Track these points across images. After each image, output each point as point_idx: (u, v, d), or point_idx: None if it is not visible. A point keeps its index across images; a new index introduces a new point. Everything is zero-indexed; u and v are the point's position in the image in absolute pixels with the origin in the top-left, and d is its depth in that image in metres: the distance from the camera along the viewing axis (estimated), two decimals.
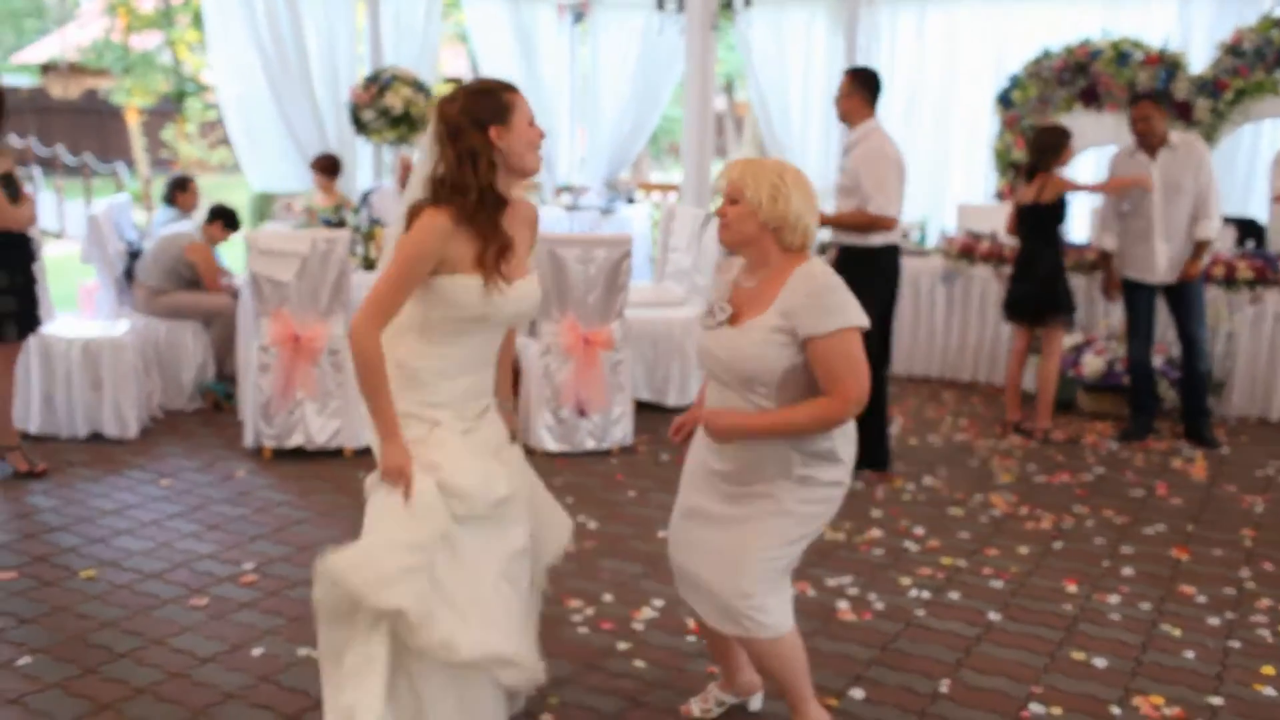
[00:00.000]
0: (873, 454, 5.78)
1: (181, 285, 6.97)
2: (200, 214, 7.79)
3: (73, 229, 15.95)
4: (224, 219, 7.31)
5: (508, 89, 2.98)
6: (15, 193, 5.46)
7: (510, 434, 3.27)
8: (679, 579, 3.33)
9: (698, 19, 8.19)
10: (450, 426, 3.03)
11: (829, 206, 6.07)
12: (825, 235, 5.76)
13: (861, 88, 5.77)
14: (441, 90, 10.17)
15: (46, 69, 29.57)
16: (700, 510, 3.23)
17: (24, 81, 28.59)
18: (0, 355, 5.60)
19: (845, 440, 3.14)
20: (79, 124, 24.92)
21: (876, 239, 5.69)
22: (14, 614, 4.17)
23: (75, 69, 27.97)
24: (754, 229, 3.02)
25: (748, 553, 3.08)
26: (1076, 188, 6.70)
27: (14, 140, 19.95)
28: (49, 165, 19.04)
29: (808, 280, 2.98)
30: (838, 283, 3.00)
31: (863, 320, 2.98)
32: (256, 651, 3.89)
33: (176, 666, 3.77)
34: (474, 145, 2.91)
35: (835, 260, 5.79)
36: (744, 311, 3.08)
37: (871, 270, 5.66)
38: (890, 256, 5.78)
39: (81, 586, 4.42)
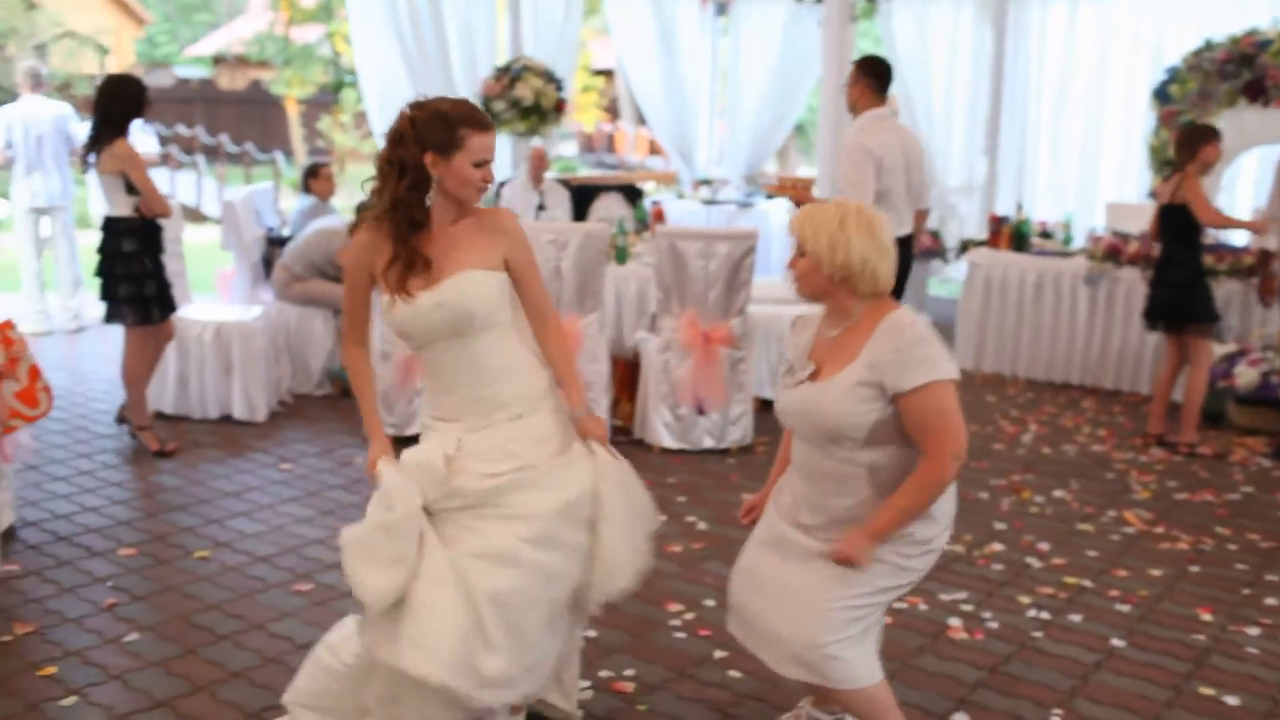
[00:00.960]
0: None
1: (322, 279, 7.09)
2: (343, 201, 7.95)
3: (224, 215, 16.53)
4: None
5: (472, 124, 2.90)
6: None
7: (581, 435, 3.12)
8: (738, 623, 3.16)
9: (835, 12, 8.01)
10: (444, 432, 3.04)
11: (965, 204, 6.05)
12: None
13: (866, 76, 5.85)
14: (588, 83, 10.17)
15: (216, 61, 30.86)
16: (776, 549, 3.07)
17: (196, 73, 29.87)
18: (149, 337, 5.78)
19: (944, 498, 2.95)
20: (243, 114, 25.84)
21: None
22: (128, 590, 4.28)
23: (241, 61, 29.10)
24: (823, 282, 2.90)
25: (825, 598, 2.91)
26: (1220, 221, 6.30)
27: (182, 129, 20.80)
28: (213, 153, 19.76)
29: (895, 333, 2.84)
30: (927, 333, 2.85)
31: (953, 372, 2.83)
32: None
33: (273, 652, 3.81)
34: (405, 159, 2.89)
35: None
36: (826, 365, 2.94)
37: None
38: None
39: (193, 566, 4.51)
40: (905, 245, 5.72)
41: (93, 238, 5.59)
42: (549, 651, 3.04)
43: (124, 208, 5.61)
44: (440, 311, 2.94)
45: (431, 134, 2.88)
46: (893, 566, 2.92)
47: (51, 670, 3.65)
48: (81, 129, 8.69)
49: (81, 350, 8.25)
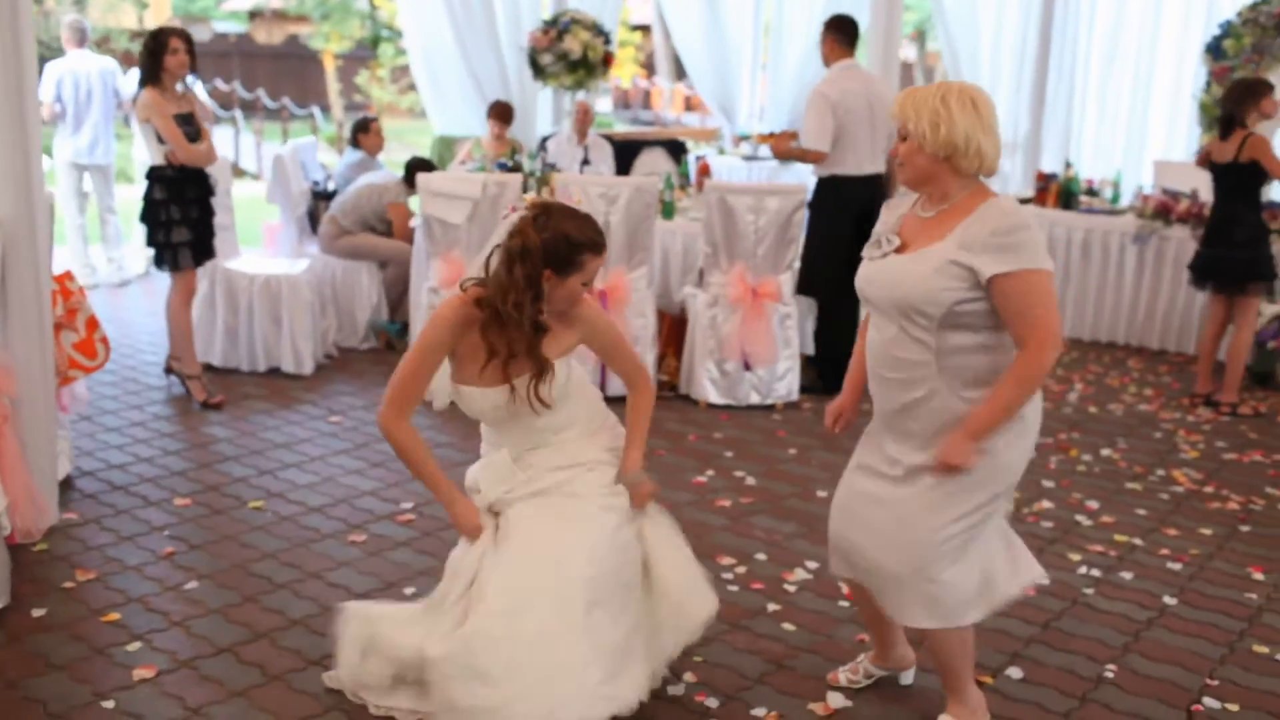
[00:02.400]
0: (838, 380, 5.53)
1: (370, 233, 7.12)
2: (384, 156, 7.95)
3: (269, 169, 16.55)
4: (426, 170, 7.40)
5: (592, 250, 3.01)
6: (195, 132, 5.68)
7: (634, 500, 3.19)
8: (836, 551, 3.16)
9: None
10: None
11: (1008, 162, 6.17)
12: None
13: (834, 31, 6.34)
14: (625, 38, 10.09)
15: (253, 15, 30.83)
16: (871, 484, 3.04)
17: (233, 28, 29.87)
18: (179, 284, 5.84)
19: (1030, 405, 2.89)
20: (280, 69, 25.83)
21: (822, 169, 6.30)
22: (185, 539, 4.33)
23: (278, 15, 29.07)
24: (926, 163, 2.80)
25: (926, 529, 2.89)
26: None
27: (219, 84, 20.82)
28: (250, 108, 19.78)
29: (996, 215, 2.74)
30: (1028, 220, 2.75)
31: (1049, 263, 2.75)
32: (409, 590, 3.94)
33: (330, 600, 3.84)
34: (532, 274, 2.97)
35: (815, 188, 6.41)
36: (916, 240, 2.87)
37: (818, 199, 6.29)
38: (832, 186, 6.29)
39: (248, 517, 4.57)
40: (875, 182, 6.32)
41: (134, 191, 5.68)
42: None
43: (157, 156, 5.68)
44: (519, 401, 3.05)
45: (555, 255, 2.97)
46: (979, 480, 2.87)
47: (115, 616, 3.72)
48: (126, 82, 8.75)
49: (127, 303, 8.32)
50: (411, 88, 21.68)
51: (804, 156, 6.30)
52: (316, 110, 19.65)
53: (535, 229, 2.98)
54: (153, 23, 24.98)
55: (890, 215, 3.03)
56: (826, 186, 6.32)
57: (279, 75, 25.11)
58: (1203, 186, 7.26)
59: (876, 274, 2.91)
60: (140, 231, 8.88)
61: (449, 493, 3.16)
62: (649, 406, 3.29)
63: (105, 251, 8.94)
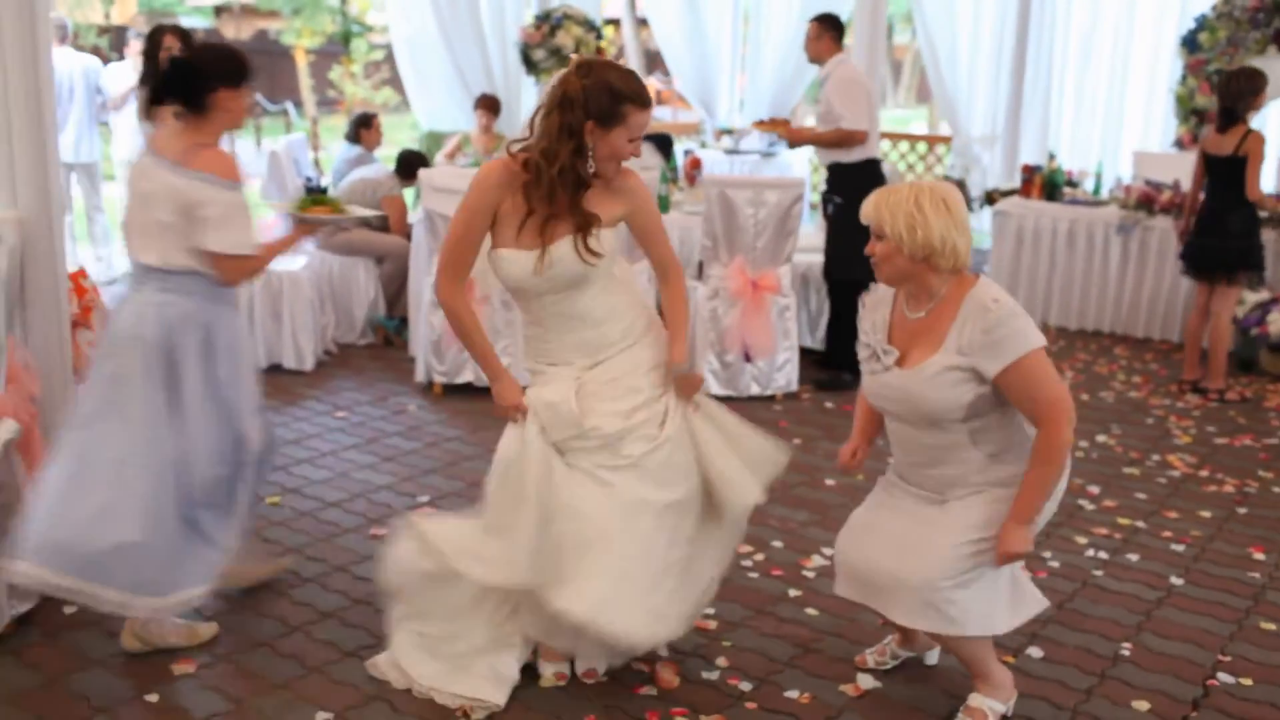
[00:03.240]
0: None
1: (365, 227, 7.13)
2: (381, 151, 7.96)
3: (266, 166, 16.46)
4: (423, 164, 7.44)
5: (635, 101, 2.99)
6: None
7: (684, 397, 3.26)
8: (849, 582, 3.25)
9: None
10: (560, 376, 3.17)
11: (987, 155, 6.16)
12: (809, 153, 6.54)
13: (830, 29, 6.47)
14: (608, 32, 10.15)
15: (220, 10, 30.56)
16: (889, 506, 3.18)
17: (199, 23, 29.59)
18: None
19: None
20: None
21: (856, 154, 6.33)
22: None
23: (247, 10, 28.84)
24: (905, 264, 2.94)
25: (944, 541, 2.97)
26: (1262, 200, 6.28)
27: None
28: None
29: (981, 314, 2.88)
30: (1011, 308, 2.89)
31: (1040, 339, 2.89)
32: None
33: (360, 594, 3.90)
34: (573, 124, 2.96)
35: (827, 178, 6.51)
36: (914, 348, 2.99)
37: (857, 182, 5.96)
38: (873, 168, 6.43)
39: (266, 512, 4.59)
40: (877, 166, 6.55)
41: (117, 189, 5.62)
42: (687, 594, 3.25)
43: None
44: (563, 266, 3.04)
45: (597, 104, 2.95)
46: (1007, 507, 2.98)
47: None
48: (109, 79, 8.70)
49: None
50: (385, 83, 21.64)
51: (847, 138, 6.25)
52: (290, 105, 19.51)
53: (577, 77, 2.99)
54: (118, 18, 24.75)
55: (874, 316, 3.13)
56: (859, 171, 6.28)
57: None
58: (1184, 177, 7.41)
59: (886, 390, 3.04)
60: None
61: (494, 366, 3.21)
62: (685, 297, 3.34)
63: (93, 250, 8.90)
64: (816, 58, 6.56)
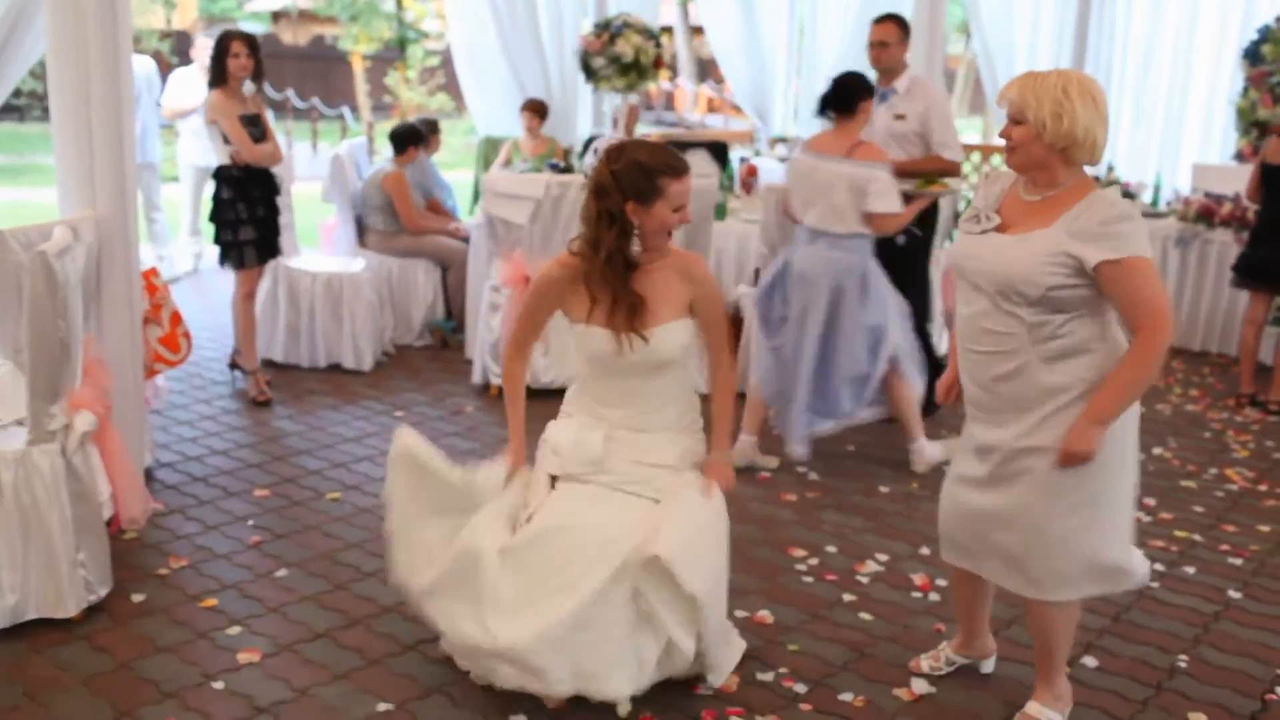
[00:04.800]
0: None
1: (391, 218, 7.19)
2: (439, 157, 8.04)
3: (300, 170, 16.65)
4: (412, 140, 7.37)
5: (670, 173, 3.06)
6: (261, 133, 5.83)
7: (712, 476, 3.29)
8: (957, 546, 3.23)
9: None
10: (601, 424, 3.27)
11: None
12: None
13: (908, 36, 5.75)
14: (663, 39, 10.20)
15: (277, 16, 30.98)
16: (976, 497, 3.11)
17: (257, 28, 30.01)
18: (242, 280, 5.96)
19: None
20: (307, 69, 25.98)
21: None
22: (270, 529, 4.45)
23: (305, 16, 29.22)
24: (1041, 151, 2.85)
25: (1045, 517, 2.96)
26: None
27: (247, 85, 20.99)
28: (280, 109, 19.93)
29: (1104, 206, 2.80)
30: (1133, 211, 2.81)
31: (1151, 252, 2.82)
32: None
33: None
34: (612, 210, 3.07)
35: None
36: (1020, 223, 2.91)
37: (928, 214, 5.65)
38: (937, 203, 5.82)
39: (327, 508, 4.68)
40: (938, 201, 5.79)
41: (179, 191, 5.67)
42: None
43: (223, 156, 5.82)
44: (640, 354, 3.14)
45: (631, 184, 3.06)
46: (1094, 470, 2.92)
47: (212, 602, 3.83)
48: (176, 85, 8.88)
49: (182, 299, 8.39)
50: (440, 89, 21.88)
51: (946, 170, 5.62)
52: (346, 110, 19.79)
53: (608, 163, 3.09)
54: (179, 24, 25.17)
55: (989, 190, 3.07)
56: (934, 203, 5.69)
57: (305, 76, 25.25)
58: (1242, 190, 7.33)
59: (977, 249, 2.96)
60: (187, 229, 9.17)
61: (516, 435, 3.40)
62: (735, 388, 3.43)
63: (154, 249, 9.06)
64: (891, 66, 5.68)
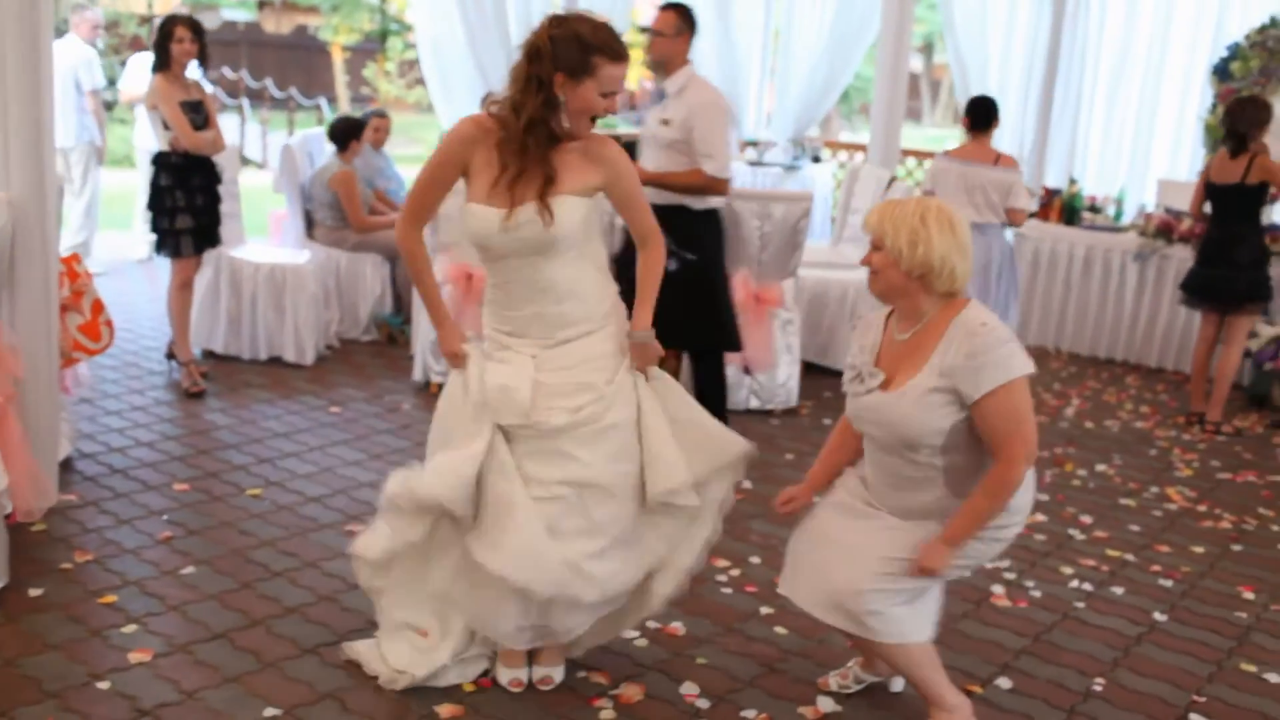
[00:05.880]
0: None
1: (339, 215, 7.09)
2: (391, 150, 7.92)
3: (274, 159, 16.57)
4: (353, 134, 7.20)
5: (607, 53, 2.93)
6: (204, 120, 5.73)
7: (640, 367, 3.23)
8: (790, 578, 3.21)
9: None
10: (518, 350, 3.14)
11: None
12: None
13: (690, 28, 4.99)
14: (633, 40, 10.12)
15: (262, 4, 30.81)
16: (843, 512, 3.12)
17: (241, 16, 29.85)
18: (177, 269, 5.86)
19: (1022, 490, 2.96)
20: (288, 59, 25.82)
21: (713, 201, 5.00)
22: (183, 524, 4.35)
23: (287, 5, 29.04)
24: (899, 278, 2.88)
25: (881, 554, 2.95)
26: None
27: (227, 72, 20.83)
28: (257, 98, 19.79)
29: (968, 337, 2.82)
30: (1000, 334, 2.83)
31: (1027, 367, 2.83)
32: None
33: (327, 590, 3.88)
34: (542, 76, 2.92)
35: (671, 225, 4.53)
36: (898, 371, 2.94)
37: (705, 236, 4.98)
38: (718, 220, 5.09)
39: (246, 504, 4.59)
40: (720, 217, 5.13)
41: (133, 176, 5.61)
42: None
43: (163, 142, 5.73)
44: (530, 229, 2.99)
45: (566, 55, 2.90)
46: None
47: (112, 599, 3.73)
48: (134, 70, 8.75)
49: (131, 287, 8.32)
50: (419, 82, 21.71)
51: (710, 187, 4.95)
52: (324, 101, 19.63)
53: (548, 28, 2.96)
54: (160, 9, 24.99)
55: (864, 342, 3.08)
56: (706, 222, 5.06)
57: (286, 65, 25.10)
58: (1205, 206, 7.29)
59: (867, 413, 2.99)
60: (142, 216, 9.01)
61: (439, 312, 3.25)
62: (659, 265, 3.29)
63: (70, 235, 8.85)
64: (663, 60, 4.97)
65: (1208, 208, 6.42)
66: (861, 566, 2.95)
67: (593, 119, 3.02)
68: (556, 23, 2.95)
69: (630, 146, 9.18)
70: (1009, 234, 6.85)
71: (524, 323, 3.14)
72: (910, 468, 2.96)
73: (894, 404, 2.91)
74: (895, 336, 2.99)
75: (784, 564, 3.28)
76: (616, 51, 2.96)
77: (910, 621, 3.03)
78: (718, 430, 3.32)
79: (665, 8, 5.02)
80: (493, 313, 3.23)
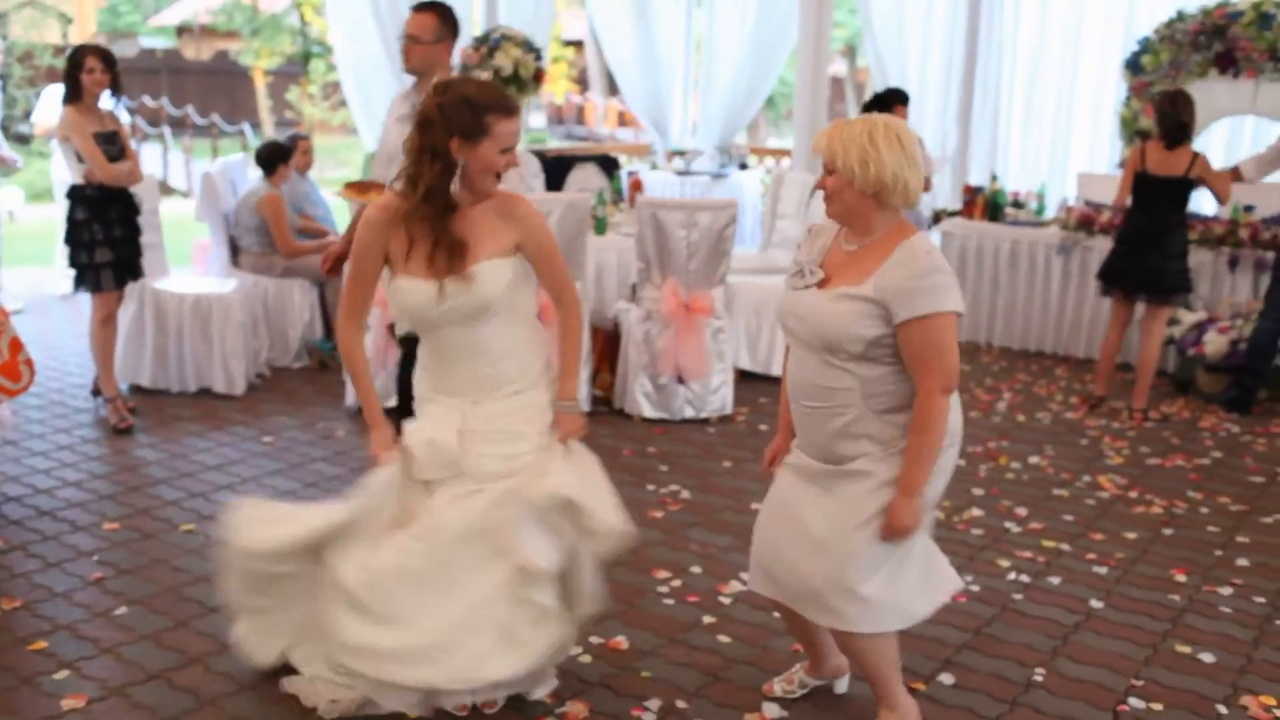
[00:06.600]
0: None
1: (266, 241, 7.01)
2: (317, 174, 7.84)
3: (199, 187, 16.36)
4: (280, 158, 7.10)
5: (498, 110, 2.95)
6: (119, 151, 5.65)
7: (562, 437, 3.20)
8: (756, 567, 3.23)
9: None
10: (445, 405, 3.13)
11: (937, 175, 6.17)
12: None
13: (452, 32, 4.50)
14: (558, 54, 10.11)
15: (181, 31, 30.46)
16: (792, 500, 3.08)
17: (160, 43, 29.49)
18: (98, 304, 5.77)
19: (952, 414, 2.94)
20: (209, 85, 25.54)
21: None
22: (115, 564, 4.27)
23: (206, 31, 28.74)
24: (854, 198, 2.87)
25: (849, 539, 2.94)
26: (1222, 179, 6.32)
27: (147, 100, 20.56)
28: (179, 125, 19.54)
29: (910, 260, 2.83)
30: (941, 264, 2.84)
31: (959, 304, 2.85)
32: None
33: None
34: (435, 145, 2.94)
35: None
36: (837, 276, 2.93)
37: None
38: None
39: (180, 540, 4.51)
40: None
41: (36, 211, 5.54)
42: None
43: (77, 175, 5.64)
44: (460, 298, 2.99)
45: (458, 120, 2.91)
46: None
47: (42, 645, 3.65)
48: (46, 102, 8.60)
49: (55, 325, 8.17)
50: (343, 104, 21.56)
51: None
52: (247, 127, 19.43)
53: (434, 95, 2.96)
54: (76, 39, 24.58)
55: (813, 244, 3.08)
56: None
57: (208, 91, 24.83)
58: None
59: (798, 308, 2.98)
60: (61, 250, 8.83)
61: (374, 414, 3.23)
62: (579, 327, 3.29)
63: None
64: (423, 69, 4.48)
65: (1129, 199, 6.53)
66: (834, 558, 2.94)
67: (497, 175, 3.03)
68: (442, 89, 2.97)
69: (563, 161, 9.21)
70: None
71: (457, 384, 3.13)
72: (827, 374, 2.91)
73: (824, 304, 2.90)
74: (843, 246, 2.98)
75: (751, 561, 3.27)
76: (507, 107, 2.98)
77: (888, 609, 3.00)
78: (614, 506, 3.23)
79: (421, 8, 4.48)
80: (426, 377, 3.21)
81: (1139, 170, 6.35)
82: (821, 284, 2.96)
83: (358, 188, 4.43)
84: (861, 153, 2.82)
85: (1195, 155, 6.18)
